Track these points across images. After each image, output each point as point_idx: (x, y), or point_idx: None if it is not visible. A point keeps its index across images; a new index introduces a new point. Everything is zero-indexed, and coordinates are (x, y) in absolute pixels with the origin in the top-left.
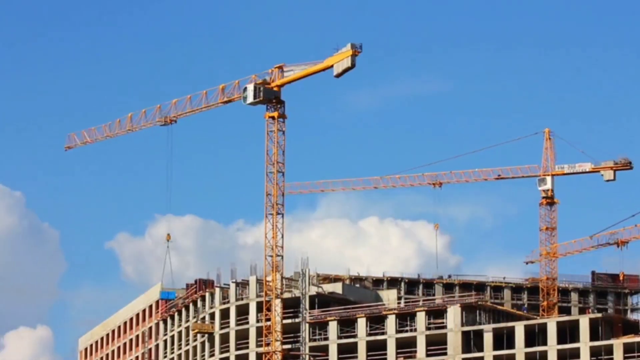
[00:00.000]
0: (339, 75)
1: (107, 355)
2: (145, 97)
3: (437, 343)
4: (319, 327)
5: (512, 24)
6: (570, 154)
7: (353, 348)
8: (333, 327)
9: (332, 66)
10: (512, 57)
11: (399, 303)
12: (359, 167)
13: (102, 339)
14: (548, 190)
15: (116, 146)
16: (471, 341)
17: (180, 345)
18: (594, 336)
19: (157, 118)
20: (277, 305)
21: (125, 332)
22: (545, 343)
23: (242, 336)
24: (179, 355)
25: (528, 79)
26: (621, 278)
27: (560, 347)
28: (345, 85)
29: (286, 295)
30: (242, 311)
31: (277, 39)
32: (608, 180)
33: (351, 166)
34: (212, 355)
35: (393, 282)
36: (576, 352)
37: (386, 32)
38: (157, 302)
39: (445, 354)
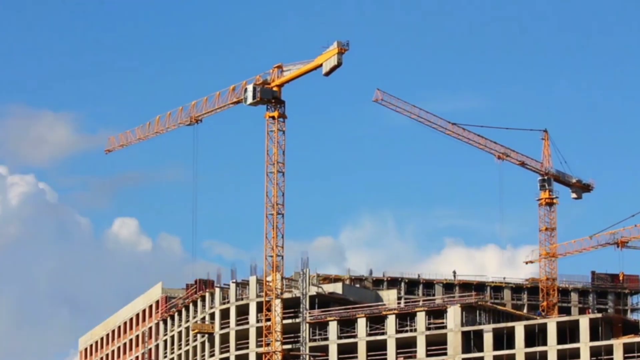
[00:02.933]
0: (327, 74)
1: (107, 355)
2: (164, 100)
3: (437, 343)
4: (319, 327)
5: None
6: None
7: (353, 348)
8: (333, 327)
9: (321, 65)
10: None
11: (399, 303)
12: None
13: (102, 339)
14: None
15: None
16: (471, 341)
17: (180, 345)
18: (594, 336)
19: (180, 120)
20: (277, 305)
21: (125, 332)
22: (545, 343)
23: (242, 336)
24: (179, 356)
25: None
26: (621, 278)
27: (560, 347)
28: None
29: (286, 295)
30: (242, 311)
31: (289, 37)
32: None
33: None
34: (212, 355)
35: (393, 282)
36: (576, 352)
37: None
38: (157, 302)
39: (445, 354)
